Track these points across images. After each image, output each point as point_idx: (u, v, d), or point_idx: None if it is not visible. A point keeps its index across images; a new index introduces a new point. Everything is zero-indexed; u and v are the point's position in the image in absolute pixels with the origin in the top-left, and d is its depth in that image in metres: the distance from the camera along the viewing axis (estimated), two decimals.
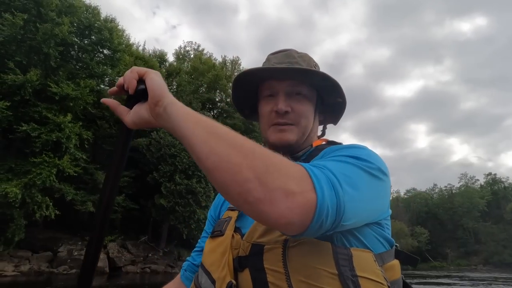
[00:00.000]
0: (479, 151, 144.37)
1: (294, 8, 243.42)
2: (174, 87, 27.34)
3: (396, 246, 0.73)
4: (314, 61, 0.86)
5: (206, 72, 29.91)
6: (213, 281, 0.68)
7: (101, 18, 19.48)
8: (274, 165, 0.49)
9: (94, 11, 19.02)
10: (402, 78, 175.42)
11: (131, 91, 0.61)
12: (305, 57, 0.84)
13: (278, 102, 0.78)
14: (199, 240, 0.97)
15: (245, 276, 0.65)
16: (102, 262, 16.93)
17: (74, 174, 16.03)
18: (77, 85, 17.08)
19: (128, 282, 15.38)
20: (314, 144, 0.83)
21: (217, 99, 31.50)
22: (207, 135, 0.51)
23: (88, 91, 17.44)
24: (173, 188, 19.87)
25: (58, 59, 16.64)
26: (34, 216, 14.88)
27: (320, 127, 0.93)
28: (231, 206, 0.81)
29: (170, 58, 33.16)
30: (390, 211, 0.71)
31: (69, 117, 15.78)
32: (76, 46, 18.38)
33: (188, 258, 0.98)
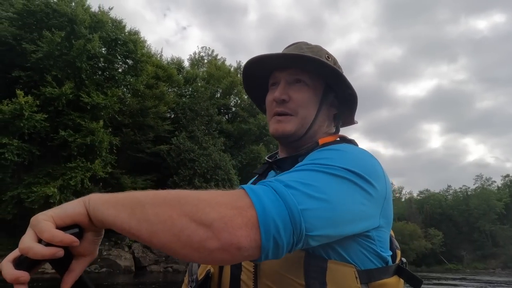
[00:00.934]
0: (496, 151, 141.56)
1: (303, 8, 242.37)
2: (189, 92, 28.20)
3: (402, 261, 0.70)
4: (326, 52, 0.82)
5: (222, 78, 30.65)
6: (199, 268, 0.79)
7: (126, 31, 20.72)
8: (203, 202, 0.48)
9: (119, 25, 20.29)
10: (415, 77, 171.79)
11: (67, 240, 0.46)
12: (315, 48, 0.81)
13: (276, 90, 0.77)
14: None
15: (227, 270, 0.72)
16: (129, 261, 18.05)
17: (106, 176, 17.19)
18: (105, 94, 18.30)
19: (152, 280, 16.24)
20: (322, 141, 0.77)
21: (231, 104, 32.34)
22: (130, 210, 0.48)
23: (115, 99, 18.67)
24: None
25: (88, 72, 17.91)
26: None
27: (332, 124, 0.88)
28: None
29: (185, 63, 34.09)
30: (384, 222, 0.65)
31: (101, 123, 16.98)
32: (102, 59, 19.62)
33: None
